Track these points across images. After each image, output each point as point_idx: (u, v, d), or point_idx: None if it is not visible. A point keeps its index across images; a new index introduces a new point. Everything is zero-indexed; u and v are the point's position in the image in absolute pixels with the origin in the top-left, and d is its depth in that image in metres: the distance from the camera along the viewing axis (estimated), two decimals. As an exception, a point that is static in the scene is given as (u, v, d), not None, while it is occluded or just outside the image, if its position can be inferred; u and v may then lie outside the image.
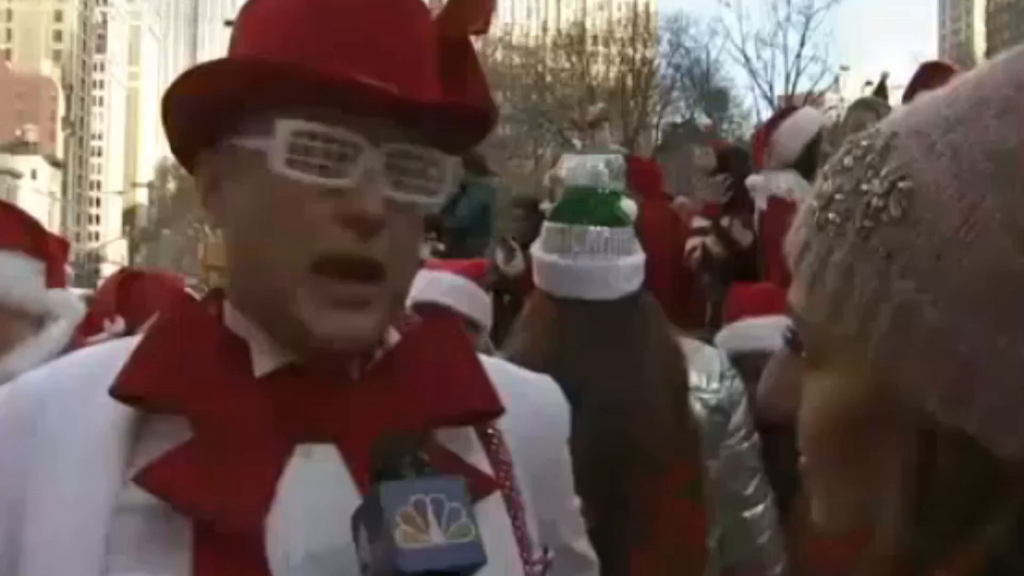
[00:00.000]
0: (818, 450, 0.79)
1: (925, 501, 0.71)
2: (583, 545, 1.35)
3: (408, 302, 3.89)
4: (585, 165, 2.41)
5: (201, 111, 1.11)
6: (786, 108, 7.18)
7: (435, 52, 1.13)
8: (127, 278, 3.14)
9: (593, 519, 2.32)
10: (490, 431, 1.17)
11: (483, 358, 1.20)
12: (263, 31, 1.11)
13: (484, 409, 1.15)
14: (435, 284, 3.99)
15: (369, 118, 1.07)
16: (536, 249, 2.61)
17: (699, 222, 5.65)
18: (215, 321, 1.15)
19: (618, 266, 2.51)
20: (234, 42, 1.16)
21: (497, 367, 1.22)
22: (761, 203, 5.06)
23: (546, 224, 2.63)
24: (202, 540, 1.01)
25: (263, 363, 1.11)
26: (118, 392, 1.05)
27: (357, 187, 1.06)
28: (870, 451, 0.74)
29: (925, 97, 0.77)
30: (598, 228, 2.50)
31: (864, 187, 0.73)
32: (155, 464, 1.03)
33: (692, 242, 5.51)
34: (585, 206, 2.56)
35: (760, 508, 2.77)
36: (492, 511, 1.08)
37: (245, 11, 1.16)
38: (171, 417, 1.06)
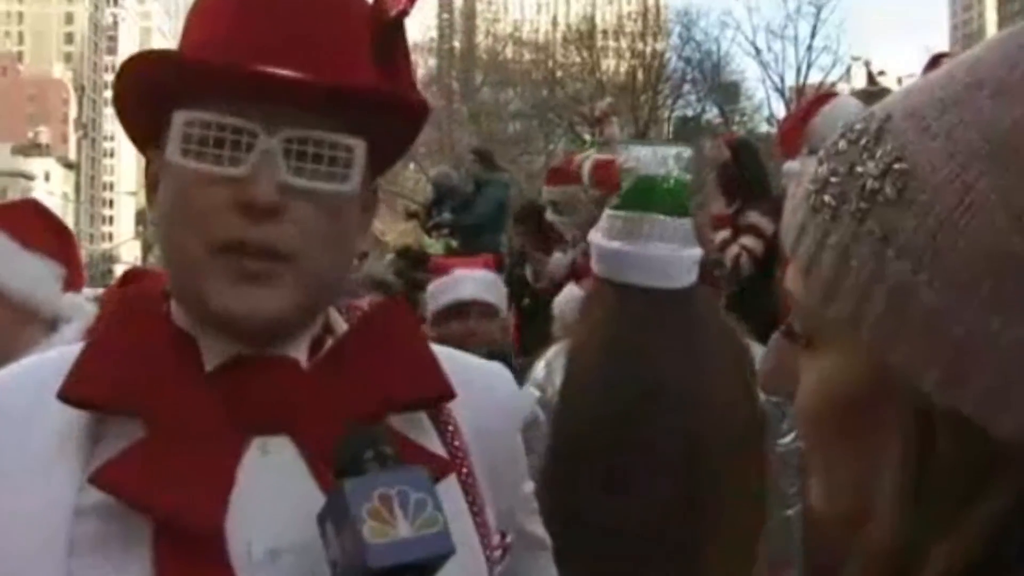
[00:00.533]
0: (816, 432, 0.79)
1: (923, 481, 0.71)
2: (537, 527, 1.35)
3: (447, 300, 3.93)
4: (656, 154, 2.51)
5: (137, 113, 1.15)
6: (823, 94, 7.12)
7: (366, 37, 1.12)
8: (130, 277, 3.18)
9: (665, 516, 2.32)
10: (444, 419, 1.17)
11: (437, 348, 1.20)
12: (188, 27, 1.15)
13: (435, 393, 1.15)
14: (469, 281, 4.09)
15: (267, 105, 1.07)
16: (597, 237, 2.62)
17: (721, 235, 5.61)
18: (163, 318, 1.15)
19: (682, 256, 2.54)
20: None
21: (450, 356, 1.22)
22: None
23: (609, 212, 2.65)
24: (162, 537, 1.01)
25: (212, 357, 1.11)
26: (65, 397, 1.05)
27: (251, 174, 1.06)
28: (868, 432, 0.74)
29: (919, 80, 0.77)
30: (666, 218, 2.53)
31: (859, 169, 0.74)
32: (109, 463, 1.03)
33: (732, 251, 5.47)
34: (655, 195, 2.58)
35: (800, 507, 2.77)
36: (448, 495, 1.08)
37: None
38: (125, 417, 1.06)
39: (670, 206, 2.55)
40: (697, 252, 2.58)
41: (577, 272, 5.56)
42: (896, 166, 0.72)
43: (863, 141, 0.75)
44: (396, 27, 1.14)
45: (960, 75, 0.73)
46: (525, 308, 6.79)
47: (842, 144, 0.76)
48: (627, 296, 2.52)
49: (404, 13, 1.14)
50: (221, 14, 1.11)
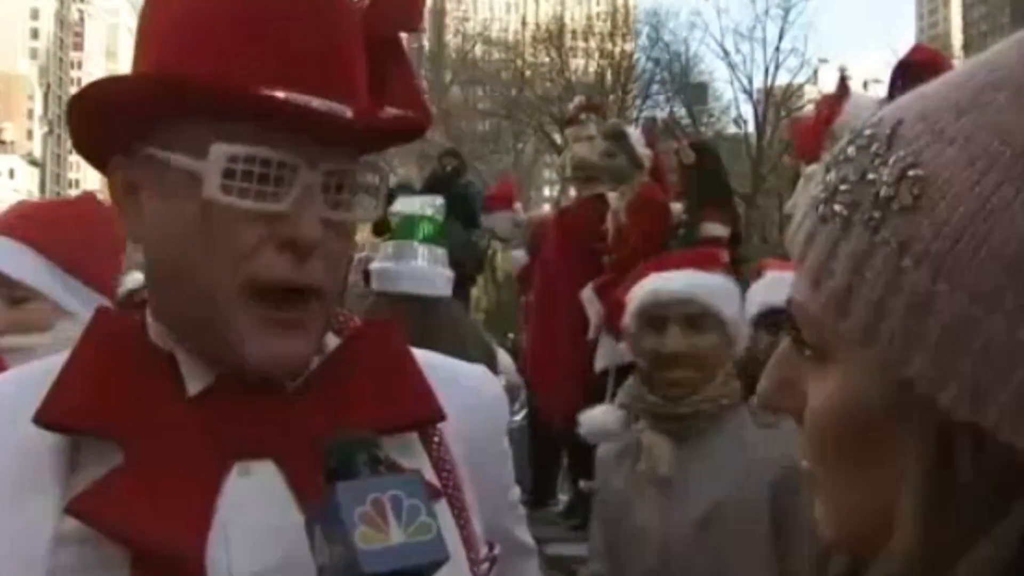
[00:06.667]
0: (826, 452, 0.75)
1: (944, 501, 0.67)
2: (523, 533, 1.34)
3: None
4: (414, 202, 3.18)
5: (120, 120, 1.06)
6: (834, 94, 7.00)
7: (362, 53, 1.08)
8: None
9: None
10: (431, 432, 1.14)
11: (417, 352, 1.18)
12: (185, 43, 1.05)
13: (425, 416, 1.13)
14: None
15: (304, 137, 1.03)
16: (376, 263, 3.14)
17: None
18: (141, 336, 1.11)
19: (443, 272, 3.13)
20: (146, 48, 1.09)
21: (431, 361, 1.19)
22: None
23: (384, 243, 3.20)
24: (139, 566, 0.98)
25: (194, 379, 1.08)
26: (43, 420, 1.01)
27: (292, 210, 1.02)
28: (884, 451, 0.71)
29: (932, 83, 0.74)
30: (426, 244, 3.15)
31: (871, 176, 0.70)
32: (86, 492, 1.00)
33: None
34: (417, 229, 3.18)
35: None
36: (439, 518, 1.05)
37: (152, 17, 1.09)
38: (104, 440, 1.03)
39: (430, 236, 3.16)
40: (450, 273, 3.16)
41: None
42: (911, 172, 0.68)
43: (874, 147, 0.71)
44: (395, 42, 1.12)
45: (977, 77, 0.70)
46: None
47: (851, 150, 0.73)
48: (424, 306, 2.97)
49: (413, 29, 1.13)
50: (218, 31, 1.03)
